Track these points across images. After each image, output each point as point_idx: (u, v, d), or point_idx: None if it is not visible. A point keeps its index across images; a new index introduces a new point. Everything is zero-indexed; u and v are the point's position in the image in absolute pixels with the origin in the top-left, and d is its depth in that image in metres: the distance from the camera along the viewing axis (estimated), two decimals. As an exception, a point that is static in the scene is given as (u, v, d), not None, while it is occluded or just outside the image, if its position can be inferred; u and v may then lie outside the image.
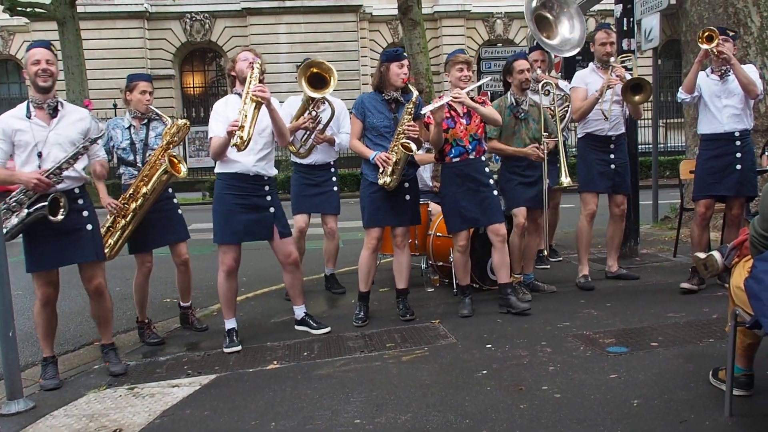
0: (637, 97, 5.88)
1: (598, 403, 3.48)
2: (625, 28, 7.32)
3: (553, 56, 7.68)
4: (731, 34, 5.66)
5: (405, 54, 5.16)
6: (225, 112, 4.72)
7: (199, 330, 5.47)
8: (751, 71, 5.62)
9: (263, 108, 4.59)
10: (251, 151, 4.66)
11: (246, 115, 4.46)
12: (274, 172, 4.94)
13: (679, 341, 4.41)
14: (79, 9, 20.96)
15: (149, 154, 5.04)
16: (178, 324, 5.66)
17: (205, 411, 3.75)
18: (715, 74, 5.66)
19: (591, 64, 6.21)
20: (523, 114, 5.68)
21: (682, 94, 5.77)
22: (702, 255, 3.50)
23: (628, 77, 5.91)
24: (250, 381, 4.19)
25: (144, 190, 4.91)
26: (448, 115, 5.25)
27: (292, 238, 5.07)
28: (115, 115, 24.20)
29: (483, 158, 5.37)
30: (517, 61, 5.71)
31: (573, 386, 3.73)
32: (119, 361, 4.56)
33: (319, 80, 5.42)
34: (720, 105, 5.62)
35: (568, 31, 6.22)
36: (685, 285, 5.73)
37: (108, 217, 4.96)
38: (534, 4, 6.14)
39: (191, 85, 30.68)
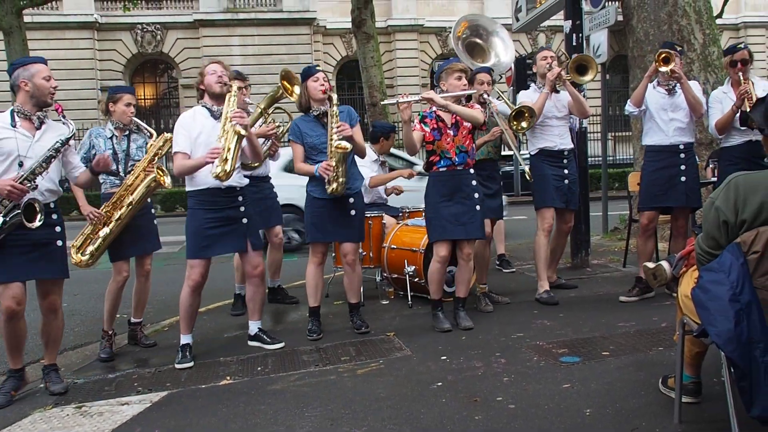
0: (586, 77, 6.00)
1: (552, 413, 3.52)
2: (574, 43, 7.46)
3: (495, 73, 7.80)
4: (678, 49, 5.79)
5: (317, 68, 5.26)
6: (192, 127, 4.71)
7: (147, 346, 5.37)
8: (695, 87, 5.77)
9: None
10: None
11: (229, 148, 4.50)
12: (246, 181, 4.93)
13: (629, 350, 4.49)
14: (27, 19, 20.47)
15: (131, 165, 5.08)
16: (126, 341, 5.53)
17: (156, 429, 3.68)
18: (662, 87, 5.79)
19: (533, 85, 6.30)
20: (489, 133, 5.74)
21: (630, 107, 5.90)
22: (651, 265, 3.57)
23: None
24: (202, 397, 4.13)
25: (129, 199, 4.91)
26: (435, 126, 5.24)
27: (261, 251, 5.03)
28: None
29: (471, 171, 5.33)
30: (479, 74, 5.78)
31: (527, 397, 3.76)
32: (60, 380, 4.42)
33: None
34: (666, 118, 5.75)
35: (502, 52, 6.32)
36: (623, 298, 5.91)
37: (88, 225, 4.93)
38: (463, 35, 6.23)
39: (142, 97, 30.21)
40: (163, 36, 28.79)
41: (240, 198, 4.83)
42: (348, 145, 4.96)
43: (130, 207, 4.92)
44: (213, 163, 4.48)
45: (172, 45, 28.79)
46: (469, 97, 5.85)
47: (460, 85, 5.24)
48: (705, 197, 7.36)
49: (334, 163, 4.98)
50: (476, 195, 5.29)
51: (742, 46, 5.65)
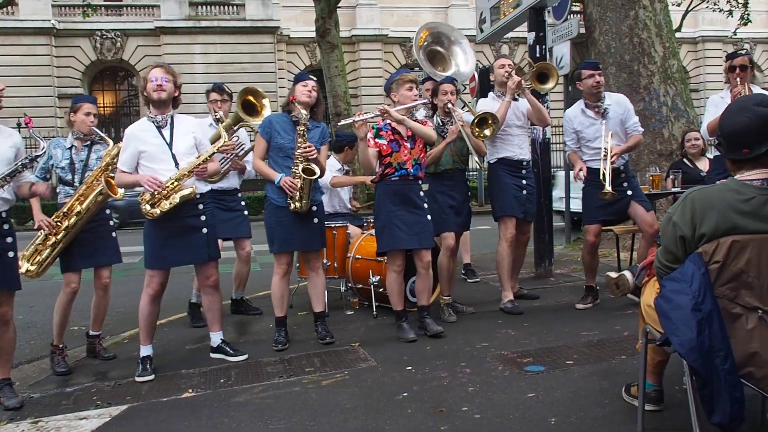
0: (548, 85, 6.11)
1: (518, 422, 3.53)
2: (537, 55, 7.54)
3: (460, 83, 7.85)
4: (600, 66, 5.93)
5: (312, 77, 5.22)
6: (134, 143, 4.64)
7: (107, 359, 5.27)
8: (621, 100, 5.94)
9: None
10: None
11: (175, 181, 4.51)
12: (205, 188, 4.87)
13: (593, 359, 4.53)
14: (-18, 24, 20.17)
15: (88, 175, 5.00)
16: (85, 354, 5.42)
17: (117, 443, 3.62)
18: (590, 110, 5.88)
19: (491, 93, 6.33)
20: (448, 134, 5.76)
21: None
22: (613, 275, 3.61)
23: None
24: (164, 411, 4.05)
25: (78, 208, 4.83)
26: (392, 138, 5.25)
27: (216, 261, 4.95)
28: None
29: (420, 182, 5.37)
30: (443, 85, 5.80)
31: (492, 406, 3.76)
32: (15, 395, 4.30)
33: (249, 107, 5.52)
34: (599, 145, 5.77)
35: (463, 63, 6.36)
36: (579, 306, 6.01)
37: (39, 234, 4.85)
38: (425, 43, 6.27)
39: (102, 105, 29.82)
40: (123, 43, 28.50)
41: (200, 206, 4.76)
42: (317, 171, 4.95)
43: (79, 217, 4.84)
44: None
45: (132, 52, 28.51)
46: (434, 109, 5.88)
47: (411, 95, 5.26)
48: (666, 207, 7.51)
49: (299, 184, 4.96)
50: (425, 205, 5.33)
51: (743, 52, 5.64)
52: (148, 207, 4.54)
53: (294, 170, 5.00)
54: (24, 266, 4.79)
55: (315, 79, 5.27)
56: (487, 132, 5.69)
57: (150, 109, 4.71)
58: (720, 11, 22.37)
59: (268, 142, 5.14)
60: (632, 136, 5.91)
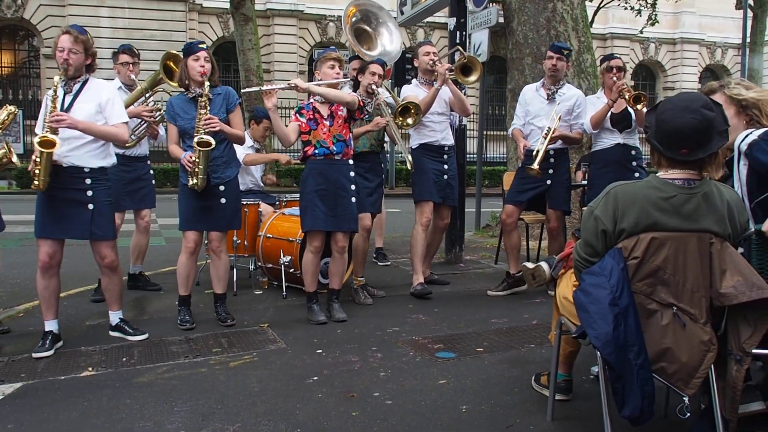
0: (471, 78, 6.13)
1: (429, 409, 3.51)
2: (458, 40, 7.54)
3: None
4: (566, 52, 5.92)
5: (201, 46, 4.95)
6: (44, 105, 4.40)
7: (0, 333, 4.98)
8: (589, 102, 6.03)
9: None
10: (64, 141, 4.32)
11: (37, 159, 4.21)
12: (100, 163, 4.55)
13: (503, 347, 4.57)
14: None
15: None
16: (-23, 327, 5.11)
17: (9, 424, 3.39)
18: (544, 90, 5.94)
19: (414, 80, 6.34)
20: (367, 116, 5.68)
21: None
22: (530, 265, 3.64)
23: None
24: (61, 390, 3.85)
25: None
26: (311, 116, 5.16)
27: (110, 242, 4.66)
28: None
29: (350, 162, 5.27)
30: (373, 65, 5.73)
31: (404, 392, 3.74)
32: None
33: (167, 71, 5.34)
34: (540, 124, 5.90)
35: (388, 43, 6.32)
36: (491, 292, 6.11)
37: None
38: (353, 19, 6.19)
39: (0, 64, 28.31)
40: (24, 1, 27.00)
41: (88, 181, 4.48)
42: (212, 142, 4.73)
43: None
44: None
45: (34, 11, 27.02)
46: (356, 87, 5.81)
47: (333, 73, 5.18)
48: (575, 200, 7.67)
49: (193, 158, 4.77)
50: (352, 187, 5.25)
51: (617, 56, 5.96)
52: (35, 182, 4.34)
53: (195, 143, 4.79)
54: None
55: (205, 46, 5.00)
56: (409, 121, 5.67)
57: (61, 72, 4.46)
58: (631, 9, 23.06)
59: (175, 125, 4.95)
60: (576, 131, 6.00)
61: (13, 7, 26.87)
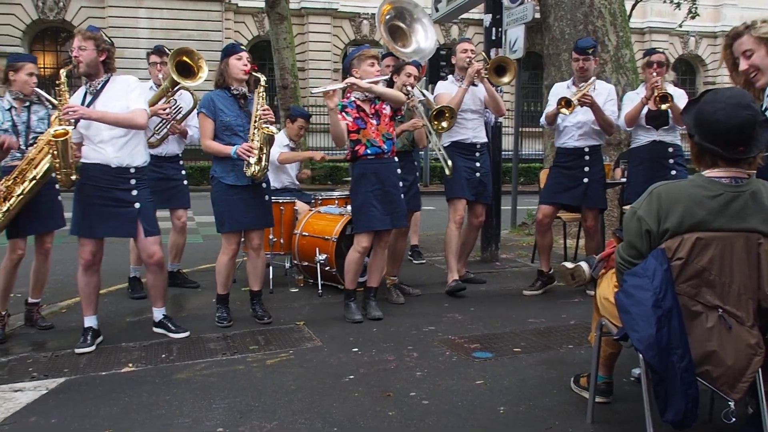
0: (504, 79, 6.06)
1: (466, 410, 3.48)
2: (493, 37, 7.49)
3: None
4: (590, 50, 5.80)
5: (242, 47, 5.05)
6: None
7: (44, 328, 5.06)
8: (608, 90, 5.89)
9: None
10: (108, 142, 4.40)
11: (261, 148, 4.60)
12: (141, 160, 4.61)
13: (540, 347, 4.52)
14: None
15: (33, 137, 4.78)
16: (21, 322, 5.20)
17: (53, 419, 3.44)
18: (575, 87, 5.85)
19: (450, 77, 6.29)
20: (400, 116, 5.66)
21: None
22: (570, 265, 3.58)
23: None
24: (102, 385, 3.89)
25: (32, 173, 4.59)
26: (357, 115, 5.14)
27: (157, 237, 4.73)
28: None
29: (396, 159, 5.27)
30: (409, 66, 5.70)
31: (440, 392, 3.72)
32: None
33: (186, 69, 5.22)
34: (574, 121, 5.82)
35: (422, 40, 6.29)
36: (527, 292, 6.03)
37: None
38: (388, 16, 6.16)
39: (42, 66, 28.73)
40: (66, 3, 27.42)
41: (132, 181, 4.54)
42: (275, 130, 4.83)
43: (34, 182, 4.60)
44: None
45: (75, 13, 27.45)
46: (390, 85, 5.78)
47: (374, 71, 5.15)
48: (614, 198, 7.56)
49: (257, 146, 4.80)
50: (401, 184, 5.28)
51: (660, 50, 5.79)
52: (59, 176, 4.41)
53: (252, 132, 4.85)
54: None
55: (245, 48, 5.09)
56: (444, 124, 5.63)
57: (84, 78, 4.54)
58: (670, 2, 22.65)
59: (214, 121, 4.94)
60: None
61: (55, 9, 27.36)
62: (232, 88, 4.96)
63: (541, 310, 5.49)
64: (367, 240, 5.19)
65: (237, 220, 4.99)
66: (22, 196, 4.60)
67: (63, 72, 4.46)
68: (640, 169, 5.73)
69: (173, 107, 5.74)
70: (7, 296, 4.92)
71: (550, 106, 5.80)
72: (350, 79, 5.06)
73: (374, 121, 5.16)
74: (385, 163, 5.17)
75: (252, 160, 4.78)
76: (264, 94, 4.96)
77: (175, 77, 5.16)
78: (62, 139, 4.22)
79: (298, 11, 29.16)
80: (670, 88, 5.58)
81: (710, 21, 32.99)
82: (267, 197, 5.11)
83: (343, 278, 5.85)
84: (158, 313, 4.92)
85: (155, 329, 4.92)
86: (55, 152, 4.26)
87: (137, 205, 4.55)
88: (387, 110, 5.23)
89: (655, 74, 5.47)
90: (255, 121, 4.86)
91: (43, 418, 3.46)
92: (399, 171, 5.27)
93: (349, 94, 5.23)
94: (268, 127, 4.81)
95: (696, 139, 2.64)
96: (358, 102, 5.18)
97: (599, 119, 5.71)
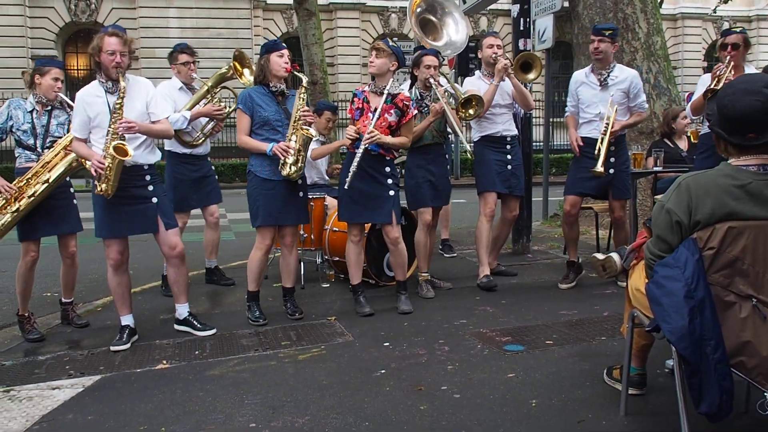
0: (530, 75, 6.03)
1: (498, 403, 3.47)
2: (521, 27, 7.42)
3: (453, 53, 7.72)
4: (608, 33, 5.67)
5: (284, 45, 5.04)
6: (84, 108, 4.45)
7: (79, 327, 5.16)
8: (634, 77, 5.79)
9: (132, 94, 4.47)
10: (126, 142, 4.41)
11: (110, 168, 4.30)
12: (155, 158, 4.68)
13: (573, 339, 4.49)
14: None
15: (50, 141, 4.85)
16: (58, 321, 5.30)
17: (89, 415, 3.51)
18: (594, 75, 5.78)
19: (477, 72, 6.24)
20: (426, 108, 5.64)
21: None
22: (600, 256, 3.55)
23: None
24: (137, 382, 3.96)
25: (46, 176, 4.67)
26: (360, 106, 5.16)
27: (177, 230, 4.80)
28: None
29: (387, 158, 5.23)
30: (426, 56, 5.65)
31: (472, 386, 3.71)
32: None
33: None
34: (594, 111, 5.74)
35: (454, 33, 6.26)
36: (562, 286, 5.95)
37: None
38: (419, 9, 6.15)
39: (76, 68, 29.19)
40: (98, 5, 27.80)
41: (147, 177, 4.60)
42: (314, 132, 4.87)
43: (47, 185, 4.68)
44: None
45: (107, 15, 27.82)
46: (414, 80, 5.77)
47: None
48: (647, 188, 7.47)
49: (296, 146, 4.82)
50: (389, 181, 5.19)
51: (737, 29, 5.43)
52: (102, 186, 4.36)
53: (291, 132, 4.86)
54: None
55: (285, 46, 5.09)
56: (471, 111, 5.58)
57: (101, 74, 4.51)
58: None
59: (251, 117, 4.95)
60: (636, 113, 5.81)
61: (87, 11, 27.76)
62: (272, 84, 4.96)
63: (573, 301, 5.45)
64: (354, 229, 5.28)
65: (271, 214, 4.98)
66: (33, 198, 4.67)
67: (123, 85, 4.42)
68: (705, 157, 5.48)
69: (222, 107, 5.78)
70: (27, 299, 4.98)
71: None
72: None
73: (371, 116, 5.07)
74: (370, 158, 5.09)
75: (289, 160, 4.80)
76: (305, 95, 4.95)
77: (237, 76, 5.26)
78: (127, 158, 4.30)
79: (327, 7, 29.22)
80: (750, 69, 5.36)
81: (744, 5, 32.39)
82: (302, 193, 5.12)
83: (374, 273, 5.88)
84: (182, 310, 4.95)
85: (178, 327, 4.95)
86: (111, 165, 4.30)
87: (155, 200, 4.61)
88: (392, 117, 5.14)
89: (728, 57, 5.20)
90: (294, 121, 4.88)
91: (80, 415, 3.53)
92: (387, 169, 5.19)
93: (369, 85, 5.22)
94: (307, 129, 4.82)
95: (710, 125, 2.61)
96: (368, 94, 5.18)
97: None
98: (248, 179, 5.10)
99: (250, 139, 4.96)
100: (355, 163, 4.96)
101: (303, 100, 4.94)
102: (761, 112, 2.50)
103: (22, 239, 4.85)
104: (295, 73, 4.98)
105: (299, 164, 4.85)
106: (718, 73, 5.19)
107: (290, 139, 4.85)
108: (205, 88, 5.74)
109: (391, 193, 5.20)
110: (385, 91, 5.08)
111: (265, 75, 4.96)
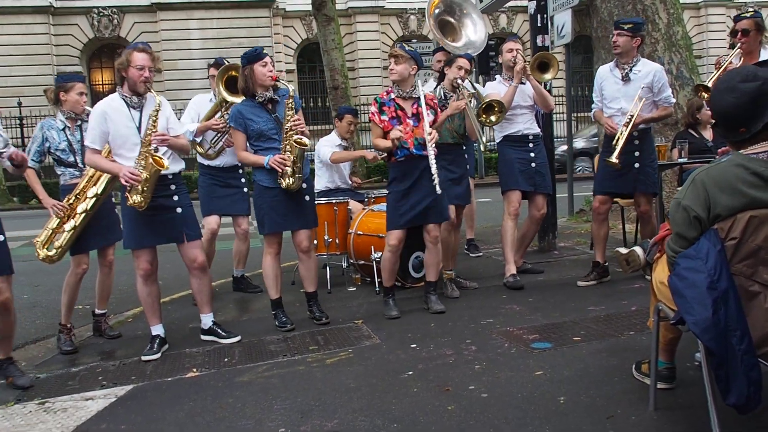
0: (547, 75, 6.03)
1: (526, 401, 3.46)
2: (539, 24, 7.40)
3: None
4: (627, 27, 5.59)
5: (265, 51, 5.00)
6: (104, 121, 4.49)
7: (111, 338, 5.24)
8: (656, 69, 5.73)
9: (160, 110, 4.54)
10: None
11: (147, 179, 4.41)
12: (179, 167, 4.74)
13: (600, 335, 4.46)
14: (-21, 3, 19.92)
15: None
16: (90, 333, 5.39)
17: (122, 425, 3.56)
18: (618, 69, 5.73)
19: (498, 77, 6.26)
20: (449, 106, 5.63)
21: None
22: (624, 251, 3.52)
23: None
24: (168, 391, 4.01)
25: (93, 190, 4.76)
26: (394, 115, 5.14)
27: (199, 242, 4.85)
28: (20, 114, 23.26)
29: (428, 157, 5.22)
30: (461, 59, 5.67)
31: (500, 385, 3.71)
32: (23, 374, 4.29)
33: (235, 83, 5.33)
34: (617, 106, 5.69)
35: (472, 33, 6.25)
36: (581, 283, 5.89)
37: (51, 219, 4.76)
38: (437, 11, 6.15)
39: (101, 83, 29.60)
40: (120, 20, 28.18)
41: (172, 187, 4.65)
42: (308, 142, 4.84)
43: (95, 199, 4.76)
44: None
45: (129, 29, 28.20)
46: (442, 78, 5.78)
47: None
48: (673, 180, 7.39)
49: (291, 158, 4.83)
50: (436, 179, 5.13)
51: (748, 14, 5.14)
52: (136, 198, 4.42)
53: (284, 144, 4.86)
54: (41, 253, 4.74)
55: (267, 54, 5.05)
56: (492, 118, 5.56)
57: (124, 87, 4.58)
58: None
59: (245, 133, 4.96)
60: (661, 107, 5.72)
61: (110, 27, 28.15)
62: (258, 95, 4.95)
63: (600, 297, 5.41)
64: (394, 239, 5.21)
65: (276, 221, 5.02)
66: (85, 213, 4.76)
67: (158, 101, 4.53)
68: None
69: (222, 121, 5.81)
70: (71, 310, 5.08)
71: None
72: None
73: (411, 122, 5.11)
74: (415, 160, 5.09)
75: (288, 171, 4.83)
76: (293, 103, 4.90)
77: (224, 94, 5.28)
78: (165, 170, 4.41)
79: (345, 11, 29.35)
80: (766, 55, 5.17)
81: (769, -10, 31.90)
82: (307, 198, 5.11)
83: (399, 275, 5.88)
84: (207, 320, 5.00)
85: (204, 337, 4.99)
86: (148, 177, 4.39)
87: (179, 210, 4.67)
88: (430, 116, 5.15)
89: (740, 44, 5.04)
90: (286, 133, 4.87)
91: (113, 424, 3.58)
92: (433, 169, 5.11)
93: (390, 92, 5.22)
94: (300, 139, 4.81)
95: (713, 125, 2.62)
96: (399, 100, 5.16)
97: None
98: (254, 189, 5.14)
99: (248, 153, 4.99)
100: (434, 166, 4.99)
101: (292, 109, 4.90)
102: (739, 107, 2.54)
103: (75, 253, 4.94)
104: (280, 83, 4.96)
105: (297, 175, 4.85)
106: (721, 63, 5.13)
107: (284, 150, 4.86)
108: (217, 101, 5.79)
109: (439, 191, 5.14)
110: (420, 94, 5.12)
111: (249, 85, 4.95)
